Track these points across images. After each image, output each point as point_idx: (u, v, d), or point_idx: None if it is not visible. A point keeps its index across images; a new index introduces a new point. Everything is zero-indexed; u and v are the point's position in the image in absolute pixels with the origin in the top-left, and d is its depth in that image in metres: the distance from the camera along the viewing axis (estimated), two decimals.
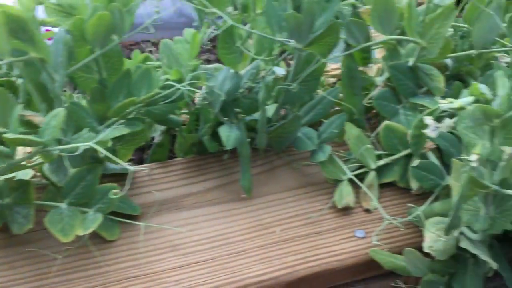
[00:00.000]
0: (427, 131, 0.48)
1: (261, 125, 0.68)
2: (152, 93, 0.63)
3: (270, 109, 0.75)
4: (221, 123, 0.68)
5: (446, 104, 0.46)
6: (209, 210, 0.68)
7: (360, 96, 0.72)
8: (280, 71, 0.70)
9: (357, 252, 0.65)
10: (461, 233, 0.60)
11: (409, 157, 0.71)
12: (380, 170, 0.72)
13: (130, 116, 0.64)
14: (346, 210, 0.70)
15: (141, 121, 0.64)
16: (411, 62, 0.74)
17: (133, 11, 0.59)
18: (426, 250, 0.59)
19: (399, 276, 0.64)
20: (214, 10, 0.60)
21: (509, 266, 0.63)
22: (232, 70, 0.67)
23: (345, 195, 0.70)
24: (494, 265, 0.56)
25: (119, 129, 0.58)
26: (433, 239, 0.60)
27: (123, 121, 0.61)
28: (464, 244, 0.58)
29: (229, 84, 0.67)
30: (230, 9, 0.64)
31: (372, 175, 0.71)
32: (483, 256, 0.56)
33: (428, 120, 0.47)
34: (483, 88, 0.46)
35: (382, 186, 0.73)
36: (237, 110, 0.70)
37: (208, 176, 0.72)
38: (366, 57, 0.70)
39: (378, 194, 0.72)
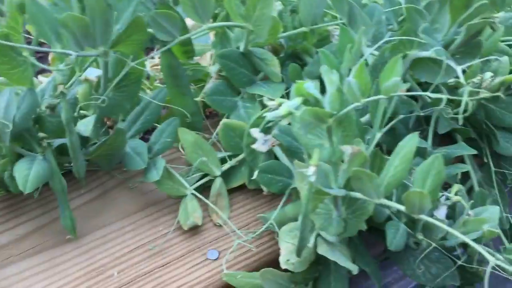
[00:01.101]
0: (256, 146, 0.40)
1: (72, 149, 0.56)
2: None
3: (89, 123, 0.63)
4: (21, 156, 0.55)
5: (271, 113, 0.38)
6: (27, 263, 0.56)
7: (189, 95, 0.62)
8: (94, 73, 0.58)
9: (211, 278, 0.56)
10: (319, 236, 0.54)
11: None
12: (226, 175, 0.64)
13: None
14: (195, 229, 0.61)
15: None
16: (241, 47, 0.65)
17: None
18: (283, 265, 0.52)
19: None
20: None
21: (374, 259, 0.59)
22: (20, 90, 0.53)
23: (191, 212, 0.61)
24: (353, 268, 0.50)
25: None
26: (289, 250, 0.53)
27: None
28: (321, 249, 0.53)
29: (23, 107, 0.54)
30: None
31: (218, 183, 0.63)
32: (341, 261, 0.51)
33: (255, 133, 0.39)
34: (309, 87, 0.39)
35: (233, 191, 0.65)
36: (42, 135, 0.57)
37: (22, 219, 0.59)
38: (188, 50, 0.61)
39: (229, 202, 0.64)
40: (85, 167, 0.59)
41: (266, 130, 0.39)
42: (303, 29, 0.66)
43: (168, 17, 0.52)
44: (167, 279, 0.56)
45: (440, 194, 0.56)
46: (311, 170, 0.39)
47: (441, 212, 0.55)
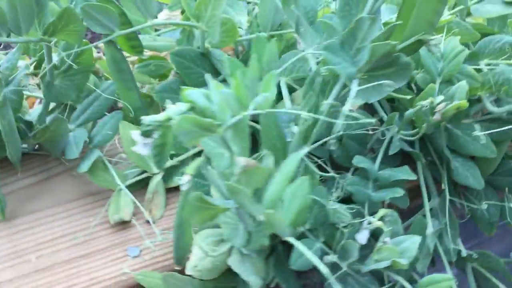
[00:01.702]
0: (136, 148, 0.39)
1: (4, 132, 0.56)
2: None
3: (37, 109, 0.65)
4: None
5: (149, 117, 0.38)
6: None
7: (134, 90, 0.62)
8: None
9: (125, 275, 0.56)
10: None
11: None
12: (167, 174, 0.63)
13: None
14: (124, 224, 0.61)
15: None
16: (201, 48, 0.65)
17: None
18: (188, 271, 0.51)
19: None
20: None
21: (294, 272, 0.57)
22: None
23: (122, 206, 0.61)
24: (254, 283, 0.49)
25: None
26: (199, 256, 0.52)
27: None
28: (231, 260, 0.51)
29: None
30: None
31: (155, 181, 0.63)
32: (246, 274, 0.50)
33: (135, 135, 0.38)
34: (194, 95, 0.38)
35: (172, 190, 0.64)
36: None
37: None
38: (135, 45, 0.60)
39: (165, 201, 0.63)
40: (20, 152, 0.60)
41: (147, 133, 0.38)
42: (262, 34, 0.65)
43: (102, 10, 0.52)
44: (82, 271, 0.56)
45: (364, 218, 0.54)
46: (184, 179, 0.38)
47: (362, 235, 0.53)
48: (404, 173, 0.58)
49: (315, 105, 0.48)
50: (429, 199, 0.68)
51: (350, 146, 0.63)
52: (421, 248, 0.58)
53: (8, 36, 0.53)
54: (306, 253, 0.43)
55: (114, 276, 0.56)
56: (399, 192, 0.56)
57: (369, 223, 0.52)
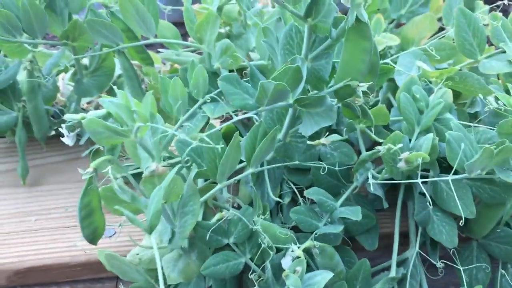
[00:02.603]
0: (64, 140, 0.48)
1: (34, 111, 0.69)
2: None
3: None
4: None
5: (70, 114, 0.46)
6: None
7: (141, 96, 0.71)
8: None
9: (89, 251, 0.65)
10: None
11: None
12: None
13: None
14: None
15: None
16: (209, 67, 0.72)
17: None
18: (129, 257, 0.59)
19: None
20: None
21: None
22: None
23: None
24: (173, 280, 0.55)
25: None
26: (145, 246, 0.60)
27: None
28: (166, 257, 0.58)
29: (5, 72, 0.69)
30: None
31: None
32: (170, 272, 0.56)
33: (63, 129, 0.47)
34: (105, 103, 0.45)
35: None
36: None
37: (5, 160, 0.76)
38: (144, 57, 0.69)
39: None
40: (45, 133, 0.73)
41: (70, 128, 0.47)
42: (262, 62, 0.71)
43: (105, 25, 0.62)
44: (62, 238, 0.67)
45: (290, 245, 0.56)
46: (88, 171, 0.46)
47: (286, 261, 0.55)
48: (354, 215, 0.59)
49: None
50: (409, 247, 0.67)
51: (317, 176, 0.65)
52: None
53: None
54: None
55: (87, 249, 0.66)
56: (336, 229, 0.57)
57: (293, 250, 0.55)
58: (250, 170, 0.57)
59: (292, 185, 0.68)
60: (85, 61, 0.75)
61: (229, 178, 0.56)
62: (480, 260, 0.68)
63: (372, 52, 0.47)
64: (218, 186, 0.56)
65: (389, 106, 0.76)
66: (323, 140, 0.63)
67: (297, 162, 0.60)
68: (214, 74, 0.72)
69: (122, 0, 0.61)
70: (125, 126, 0.46)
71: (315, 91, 0.52)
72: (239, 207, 0.67)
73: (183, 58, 0.77)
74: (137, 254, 0.59)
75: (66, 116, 0.46)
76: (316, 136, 0.66)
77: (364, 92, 0.49)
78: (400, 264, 0.66)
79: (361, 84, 0.49)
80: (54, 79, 0.73)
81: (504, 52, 0.63)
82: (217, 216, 0.55)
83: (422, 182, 0.64)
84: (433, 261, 0.64)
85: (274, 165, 0.60)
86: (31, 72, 0.68)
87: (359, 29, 0.46)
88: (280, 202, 0.60)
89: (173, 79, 0.51)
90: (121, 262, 0.60)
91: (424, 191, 0.63)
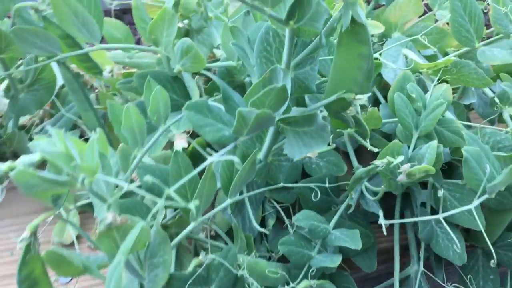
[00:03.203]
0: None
1: None
2: None
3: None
4: None
5: None
6: None
7: (91, 110, 0.61)
8: None
9: None
10: None
11: None
12: None
13: None
14: (66, 246, 0.60)
15: None
16: (169, 71, 0.62)
17: None
18: None
19: None
20: None
21: None
22: None
23: (67, 229, 0.60)
24: None
25: None
26: None
27: None
28: None
29: None
30: None
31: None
32: None
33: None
34: (39, 144, 0.35)
35: None
36: None
37: None
38: (89, 66, 0.58)
39: None
40: None
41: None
42: (230, 63, 0.61)
43: (36, 34, 0.50)
44: None
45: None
46: (24, 235, 0.36)
47: None
48: (350, 240, 0.50)
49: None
50: (410, 264, 0.60)
51: (308, 196, 0.57)
52: None
53: None
54: None
55: None
56: (333, 261, 0.49)
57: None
58: (228, 201, 0.48)
59: (275, 204, 0.59)
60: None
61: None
62: (486, 269, 0.62)
63: (370, 57, 0.38)
64: (192, 225, 0.46)
65: (376, 103, 0.67)
66: (309, 154, 0.54)
67: (281, 184, 0.51)
68: (175, 79, 0.62)
69: (55, 1, 0.50)
70: (68, 175, 0.36)
71: (302, 107, 0.43)
72: (216, 236, 0.58)
73: (136, 61, 0.66)
74: None
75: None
76: None
77: (361, 106, 0.40)
78: (402, 282, 0.59)
79: (358, 97, 0.40)
80: None
81: (508, 37, 0.55)
82: (194, 262, 0.46)
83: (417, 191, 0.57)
84: (440, 282, 0.57)
85: (256, 191, 0.51)
86: None
87: (355, 32, 0.36)
88: (264, 231, 0.51)
89: (125, 108, 0.40)
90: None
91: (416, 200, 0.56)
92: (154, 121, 0.41)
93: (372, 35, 0.69)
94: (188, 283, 0.44)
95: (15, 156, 0.67)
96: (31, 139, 0.66)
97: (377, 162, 0.49)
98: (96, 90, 0.70)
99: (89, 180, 0.37)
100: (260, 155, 0.49)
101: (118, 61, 0.65)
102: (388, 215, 0.60)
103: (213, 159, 0.33)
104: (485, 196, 0.45)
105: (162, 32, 0.56)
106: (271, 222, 0.58)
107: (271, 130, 0.46)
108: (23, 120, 0.69)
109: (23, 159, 0.36)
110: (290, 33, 0.39)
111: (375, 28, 0.65)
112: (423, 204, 0.59)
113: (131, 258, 0.45)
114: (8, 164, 0.36)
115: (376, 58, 0.56)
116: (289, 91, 0.40)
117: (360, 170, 0.50)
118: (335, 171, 0.59)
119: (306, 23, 0.36)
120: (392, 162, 0.49)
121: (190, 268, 0.45)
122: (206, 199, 0.45)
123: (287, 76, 0.40)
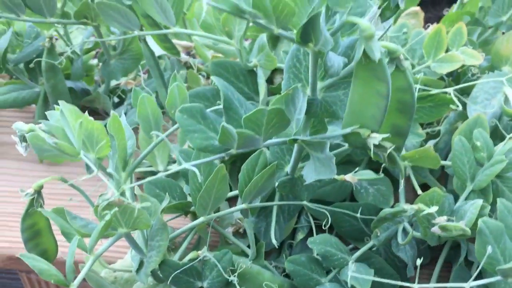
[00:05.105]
0: (18, 148, 0.42)
1: (51, 93, 0.65)
2: None
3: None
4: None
5: (16, 125, 0.40)
6: None
7: (163, 87, 0.63)
8: None
9: None
10: None
11: None
12: None
13: None
14: None
15: None
16: (243, 64, 0.62)
17: None
18: (103, 274, 0.53)
19: None
20: None
21: None
22: None
23: None
24: None
25: None
26: (124, 265, 0.53)
27: None
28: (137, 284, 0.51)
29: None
30: None
31: None
32: None
33: (16, 138, 0.41)
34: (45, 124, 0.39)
35: None
36: None
37: None
38: (168, 46, 0.61)
39: None
40: None
41: (22, 138, 0.40)
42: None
43: (117, 9, 0.54)
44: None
45: None
46: (28, 192, 0.40)
47: None
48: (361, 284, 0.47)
49: None
50: None
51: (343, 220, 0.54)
52: None
53: None
54: None
55: None
56: None
57: None
58: (242, 206, 0.48)
59: (311, 219, 0.57)
60: None
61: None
62: None
63: (388, 96, 0.35)
64: (200, 220, 0.47)
65: None
66: (348, 177, 0.51)
67: (304, 202, 0.50)
68: (249, 73, 0.63)
69: None
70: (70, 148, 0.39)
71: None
72: (244, 233, 0.58)
73: (221, 47, 0.67)
74: (114, 272, 0.53)
75: (14, 126, 0.40)
76: None
77: (378, 146, 0.37)
78: None
79: (373, 135, 0.37)
80: (82, 58, 0.68)
81: None
82: (191, 255, 0.47)
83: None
84: None
85: (279, 202, 0.50)
86: (50, 49, 0.63)
87: (369, 68, 0.33)
88: (275, 243, 0.50)
89: (140, 97, 0.42)
90: (97, 275, 0.54)
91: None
92: (171, 114, 0.42)
93: (471, 66, 0.62)
94: (176, 272, 0.45)
95: (106, 113, 0.73)
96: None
97: (406, 206, 0.45)
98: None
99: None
100: (288, 169, 0.48)
101: (206, 44, 0.67)
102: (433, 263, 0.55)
103: (186, 165, 0.33)
104: (497, 278, 0.39)
105: (235, 26, 0.56)
106: (300, 235, 0.56)
107: (296, 148, 0.45)
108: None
109: (42, 125, 0.40)
110: (313, 55, 0.37)
111: (471, 57, 0.58)
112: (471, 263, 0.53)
113: (139, 235, 0.48)
114: (29, 126, 0.40)
115: (445, 92, 0.51)
116: (302, 113, 0.38)
117: (385, 210, 0.46)
118: (380, 202, 0.55)
119: (322, 47, 0.34)
120: (424, 211, 0.45)
121: (185, 259, 0.46)
122: (215, 200, 0.46)
123: (305, 96, 0.38)
